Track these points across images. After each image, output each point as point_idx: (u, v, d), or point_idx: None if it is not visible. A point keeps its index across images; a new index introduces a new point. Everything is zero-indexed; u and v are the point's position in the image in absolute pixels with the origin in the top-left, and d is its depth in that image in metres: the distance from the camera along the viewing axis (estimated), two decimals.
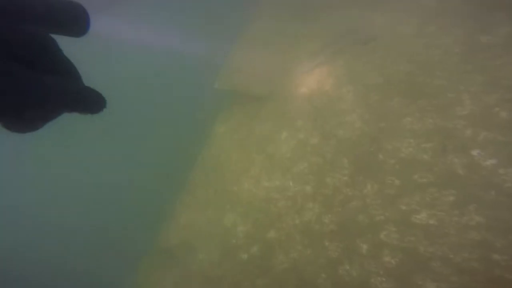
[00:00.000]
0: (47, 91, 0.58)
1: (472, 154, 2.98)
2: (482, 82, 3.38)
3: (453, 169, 2.98)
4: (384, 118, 3.57)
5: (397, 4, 4.87)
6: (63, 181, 5.14)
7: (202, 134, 5.26)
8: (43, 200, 5.25)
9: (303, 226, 3.35)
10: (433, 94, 3.55)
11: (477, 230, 2.65)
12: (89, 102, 0.63)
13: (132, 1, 7.20)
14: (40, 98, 0.57)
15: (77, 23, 0.67)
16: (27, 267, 4.64)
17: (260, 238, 3.88)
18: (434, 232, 2.80)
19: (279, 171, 4.06)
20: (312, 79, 4.59)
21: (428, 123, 3.32)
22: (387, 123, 3.51)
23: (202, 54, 6.09)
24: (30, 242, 4.89)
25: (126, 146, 5.36)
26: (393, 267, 2.78)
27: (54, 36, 0.63)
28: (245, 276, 3.74)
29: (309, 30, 5.41)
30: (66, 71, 0.62)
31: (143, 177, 5.01)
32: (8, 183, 5.39)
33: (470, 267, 2.53)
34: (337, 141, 3.67)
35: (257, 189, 4.26)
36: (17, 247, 4.89)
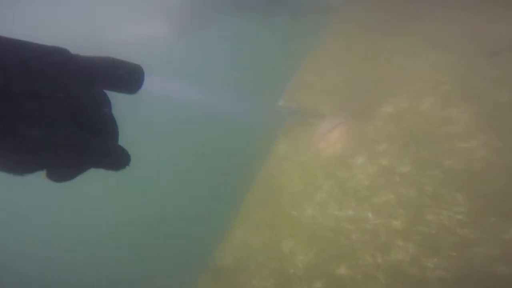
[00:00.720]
0: (96, 152, 0.61)
1: None
2: None
3: None
4: None
5: None
6: (118, 196, 5.08)
7: (262, 153, 5.00)
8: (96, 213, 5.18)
9: (390, 266, 2.85)
10: None
11: None
12: (118, 161, 0.65)
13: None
14: (93, 158, 0.61)
15: (136, 84, 0.68)
16: (73, 276, 4.49)
17: (325, 272, 3.45)
18: None
19: (352, 200, 3.63)
20: (401, 97, 4.08)
21: None
22: None
23: (267, 69, 5.92)
24: (76, 251, 4.79)
25: (183, 164, 5.25)
26: None
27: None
28: None
29: (396, 44, 4.84)
30: (109, 130, 0.64)
31: (199, 194, 4.82)
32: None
33: None
34: (443, 172, 3.14)
35: (323, 217, 3.85)
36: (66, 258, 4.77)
